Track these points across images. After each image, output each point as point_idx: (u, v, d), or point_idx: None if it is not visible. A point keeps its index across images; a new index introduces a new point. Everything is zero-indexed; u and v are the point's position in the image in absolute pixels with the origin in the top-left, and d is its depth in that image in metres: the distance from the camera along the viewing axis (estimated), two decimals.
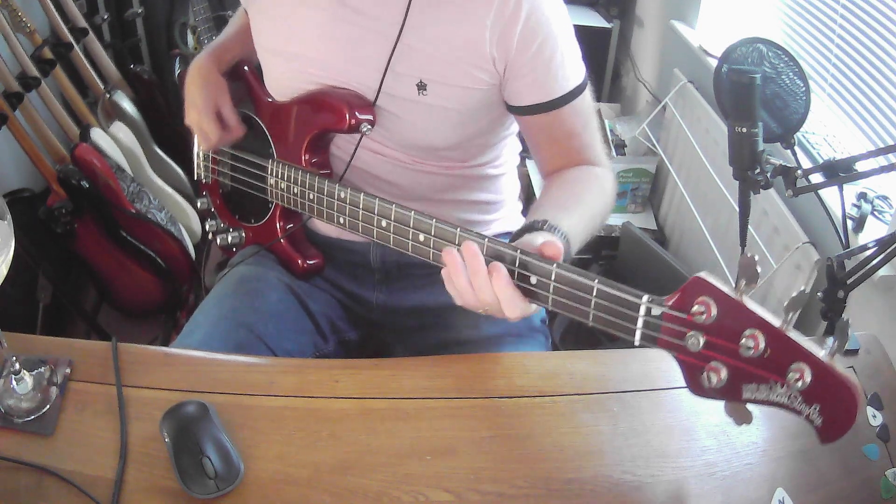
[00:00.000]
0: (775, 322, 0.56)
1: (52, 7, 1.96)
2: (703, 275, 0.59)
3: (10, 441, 0.73)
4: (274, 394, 0.80)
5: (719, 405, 0.82)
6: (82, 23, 2.09)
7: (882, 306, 1.22)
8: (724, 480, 0.74)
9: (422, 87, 0.90)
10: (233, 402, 0.78)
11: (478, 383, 0.83)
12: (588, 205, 0.87)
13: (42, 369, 0.78)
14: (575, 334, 1.83)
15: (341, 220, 0.90)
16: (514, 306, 0.69)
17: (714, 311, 0.58)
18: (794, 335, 0.55)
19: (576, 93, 0.93)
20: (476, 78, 0.90)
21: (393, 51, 0.87)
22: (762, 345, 0.56)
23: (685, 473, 0.75)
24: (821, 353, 0.54)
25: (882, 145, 1.27)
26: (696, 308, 0.59)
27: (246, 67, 1.07)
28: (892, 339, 0.90)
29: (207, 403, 0.75)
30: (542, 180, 1.02)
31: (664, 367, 0.87)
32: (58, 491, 0.69)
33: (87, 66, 2.08)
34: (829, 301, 0.89)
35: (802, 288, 0.56)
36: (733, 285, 0.58)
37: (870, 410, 0.80)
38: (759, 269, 0.56)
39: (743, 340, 0.56)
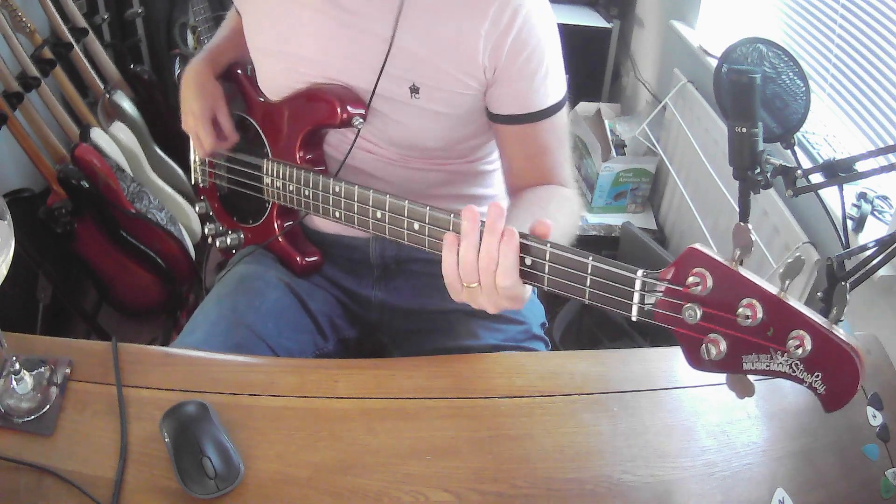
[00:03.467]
0: (772, 290, 0.55)
1: (52, 7, 1.96)
2: (697, 246, 0.58)
3: (10, 441, 0.73)
4: (274, 394, 0.80)
5: (719, 405, 0.82)
6: (82, 23, 2.09)
7: (882, 306, 1.22)
8: (724, 480, 0.74)
9: (414, 90, 0.90)
10: (233, 402, 0.78)
11: (478, 383, 0.83)
12: (560, 225, 0.85)
13: (42, 369, 0.78)
14: (575, 334, 1.83)
15: (337, 214, 0.90)
16: (508, 274, 0.69)
17: (710, 282, 0.57)
18: (793, 302, 0.54)
19: (554, 109, 0.94)
20: (466, 84, 0.90)
21: (388, 53, 0.87)
22: (760, 314, 0.55)
23: (685, 473, 0.75)
24: (821, 320, 0.53)
25: (882, 145, 1.27)
26: (691, 279, 0.58)
27: (238, 70, 1.07)
28: (892, 339, 0.90)
29: (207, 403, 0.75)
30: (508, 196, 1.01)
31: (664, 367, 0.88)
32: (58, 491, 0.69)
33: (87, 66, 2.08)
34: (828, 301, 0.89)
35: (798, 254, 0.55)
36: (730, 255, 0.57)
37: (870, 410, 0.80)
38: (753, 238, 0.55)
39: (740, 310, 0.55)
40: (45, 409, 0.75)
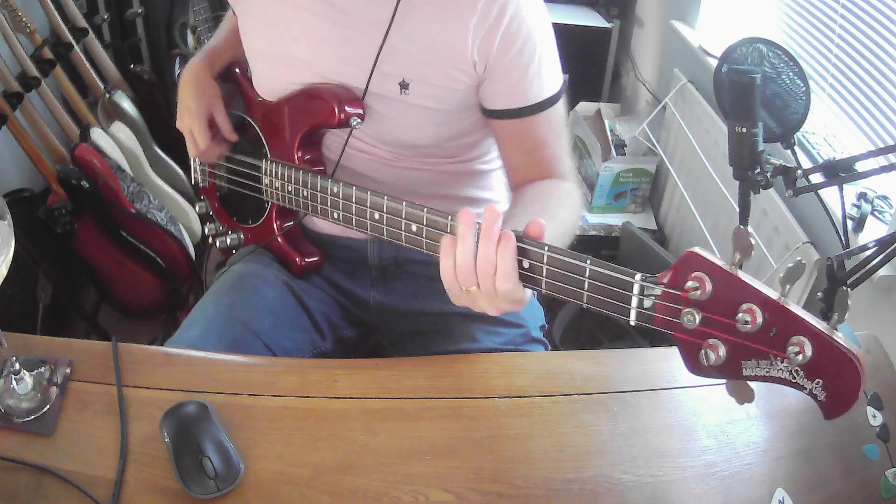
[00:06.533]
0: (772, 295, 0.54)
1: (52, 7, 1.96)
2: (696, 249, 0.57)
3: (10, 441, 0.73)
4: (274, 394, 0.80)
5: (719, 405, 0.82)
6: (82, 23, 2.09)
7: (882, 306, 1.22)
8: (724, 480, 0.74)
9: (404, 85, 0.90)
10: (233, 402, 0.78)
11: (478, 383, 0.83)
12: (561, 221, 0.86)
13: (42, 369, 0.78)
14: (575, 335, 1.83)
15: (335, 215, 0.90)
16: (508, 278, 0.68)
17: (709, 287, 0.56)
18: (793, 307, 0.53)
19: (550, 102, 0.93)
20: (457, 79, 0.90)
21: (380, 50, 0.87)
22: (759, 319, 0.54)
23: (685, 473, 0.75)
24: (821, 325, 0.52)
25: (882, 145, 1.27)
26: (690, 284, 0.57)
27: (237, 69, 1.07)
28: (892, 339, 0.90)
29: (207, 403, 0.75)
30: (510, 191, 1.01)
31: (664, 367, 0.88)
32: (58, 491, 0.69)
33: (87, 66, 2.08)
34: (829, 301, 0.89)
35: (799, 258, 0.54)
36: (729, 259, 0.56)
37: (870, 410, 0.80)
38: (752, 241, 0.54)
39: (739, 315, 0.54)
40: (45, 409, 0.75)
